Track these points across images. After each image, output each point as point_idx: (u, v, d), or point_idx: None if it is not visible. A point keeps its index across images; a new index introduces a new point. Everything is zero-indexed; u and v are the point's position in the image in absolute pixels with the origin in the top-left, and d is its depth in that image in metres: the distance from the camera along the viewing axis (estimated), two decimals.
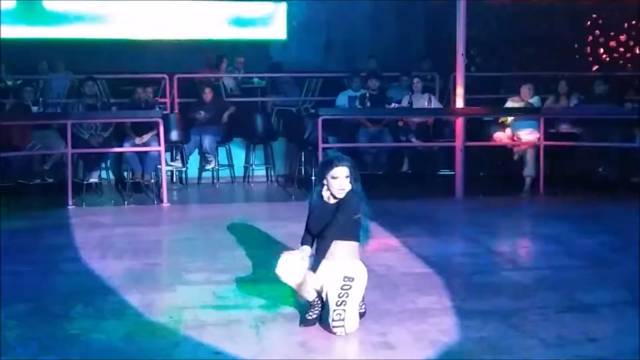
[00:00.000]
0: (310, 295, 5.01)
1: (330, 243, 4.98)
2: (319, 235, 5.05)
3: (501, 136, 11.05)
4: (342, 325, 4.85)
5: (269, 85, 14.02)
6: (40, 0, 15.33)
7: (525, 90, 11.03)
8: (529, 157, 10.72)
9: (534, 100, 11.17)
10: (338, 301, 4.89)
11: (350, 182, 5.03)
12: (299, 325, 5.04)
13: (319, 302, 5.04)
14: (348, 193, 5.04)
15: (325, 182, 5.05)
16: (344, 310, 4.87)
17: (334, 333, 4.86)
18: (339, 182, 5.01)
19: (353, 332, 4.88)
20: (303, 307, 5.14)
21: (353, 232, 5.02)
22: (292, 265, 4.94)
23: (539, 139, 10.68)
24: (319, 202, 5.10)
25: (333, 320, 4.87)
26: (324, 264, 4.99)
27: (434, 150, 11.75)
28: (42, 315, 5.31)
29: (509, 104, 11.18)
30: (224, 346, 4.69)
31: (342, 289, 4.92)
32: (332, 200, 5.08)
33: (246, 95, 13.58)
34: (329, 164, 5.06)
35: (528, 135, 10.83)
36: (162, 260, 7.28)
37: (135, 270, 6.59)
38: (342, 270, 4.97)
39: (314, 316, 5.06)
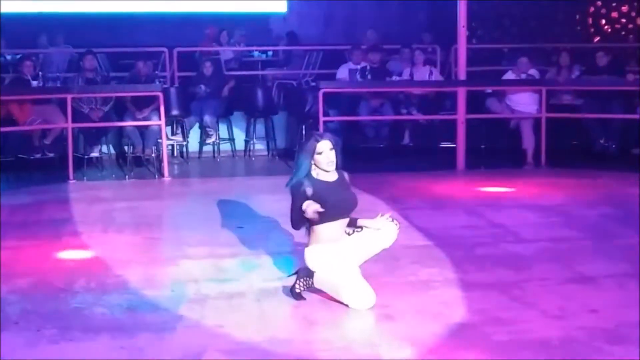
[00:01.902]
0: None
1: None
2: (342, 216, 5.07)
3: None
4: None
5: (285, 57, 13.95)
6: None
7: (524, 61, 10.99)
8: (526, 129, 10.70)
9: (533, 72, 11.14)
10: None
11: (336, 155, 5.03)
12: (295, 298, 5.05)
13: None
14: (342, 172, 5.09)
15: (312, 161, 5.02)
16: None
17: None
18: (326, 155, 5.00)
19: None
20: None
21: None
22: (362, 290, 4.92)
23: (539, 110, 10.68)
24: (317, 186, 5.01)
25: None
26: (347, 239, 5.11)
27: (435, 122, 11.72)
28: (44, 290, 5.32)
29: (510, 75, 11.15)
30: (226, 319, 4.71)
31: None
32: (327, 178, 5.07)
33: (246, 69, 13.52)
34: (310, 142, 5.04)
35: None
36: (164, 234, 7.29)
37: (136, 244, 6.61)
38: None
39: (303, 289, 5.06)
